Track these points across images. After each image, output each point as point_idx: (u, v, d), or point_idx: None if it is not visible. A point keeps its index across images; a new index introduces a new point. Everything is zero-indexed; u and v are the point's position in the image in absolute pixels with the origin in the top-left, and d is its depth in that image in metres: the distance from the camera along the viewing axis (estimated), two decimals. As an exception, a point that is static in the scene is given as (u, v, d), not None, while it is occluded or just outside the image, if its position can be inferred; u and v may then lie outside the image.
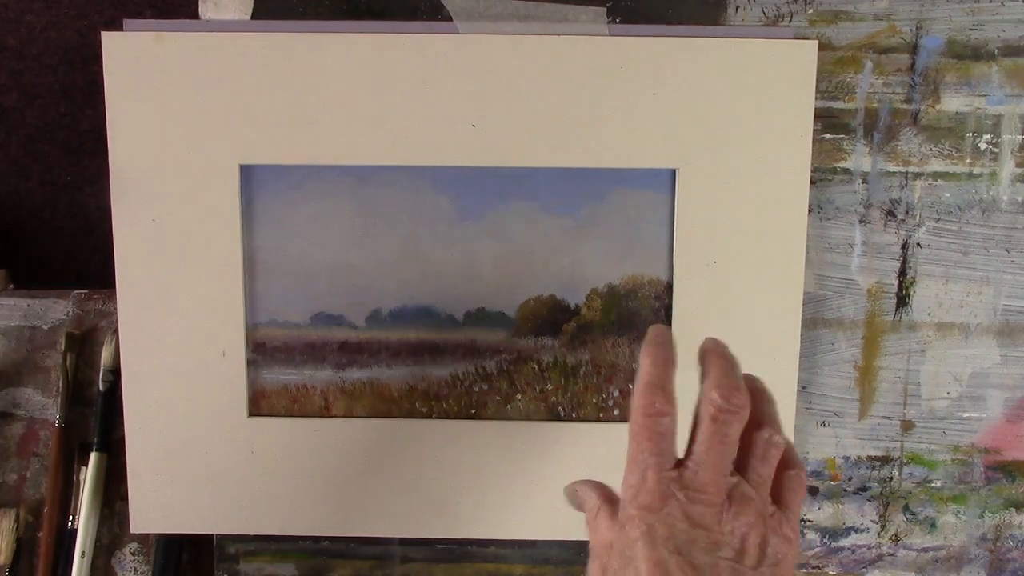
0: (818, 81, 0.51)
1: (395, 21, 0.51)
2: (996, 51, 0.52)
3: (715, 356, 0.38)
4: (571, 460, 0.53)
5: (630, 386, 0.54)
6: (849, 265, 0.54)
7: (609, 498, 0.40)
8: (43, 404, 0.57)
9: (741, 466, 0.37)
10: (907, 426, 0.55)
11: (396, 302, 0.53)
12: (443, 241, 0.53)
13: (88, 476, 0.56)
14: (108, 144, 0.51)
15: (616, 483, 0.48)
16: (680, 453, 0.37)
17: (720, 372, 0.38)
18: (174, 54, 0.50)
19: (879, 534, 0.56)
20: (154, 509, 0.54)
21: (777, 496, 0.38)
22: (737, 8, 0.52)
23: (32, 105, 0.67)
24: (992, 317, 0.54)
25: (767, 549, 0.36)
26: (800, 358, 0.52)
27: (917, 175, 0.53)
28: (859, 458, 0.55)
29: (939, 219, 0.53)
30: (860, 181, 0.53)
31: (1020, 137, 0.53)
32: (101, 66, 0.50)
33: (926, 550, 0.56)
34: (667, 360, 0.38)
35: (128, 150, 0.51)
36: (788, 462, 0.39)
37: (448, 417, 0.54)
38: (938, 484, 0.55)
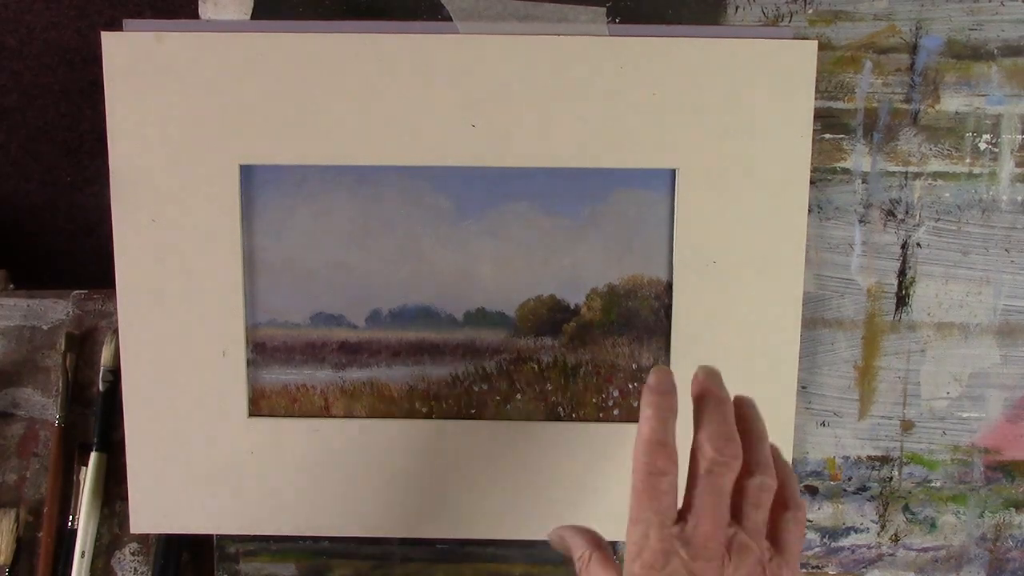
0: (818, 81, 0.51)
1: (395, 21, 0.51)
2: (996, 51, 0.52)
3: (709, 401, 0.38)
4: (571, 460, 0.53)
5: (630, 386, 0.54)
6: (849, 265, 0.54)
7: (598, 544, 0.40)
8: (43, 404, 0.57)
9: (736, 513, 0.38)
10: (907, 426, 0.55)
11: (396, 302, 0.53)
12: (443, 241, 0.53)
13: (88, 476, 0.56)
14: (108, 144, 0.51)
15: (617, 484, 0.48)
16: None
17: (714, 423, 0.38)
18: (174, 54, 0.50)
19: (879, 534, 0.56)
20: (154, 509, 0.54)
21: (775, 539, 0.38)
22: (737, 8, 0.52)
23: (32, 105, 0.67)
24: (992, 317, 0.54)
25: None
26: (800, 358, 0.53)
27: (917, 175, 0.53)
28: (859, 458, 0.55)
29: (939, 219, 0.53)
30: (860, 181, 0.53)
31: (1020, 137, 0.53)
32: (101, 66, 0.50)
33: (926, 550, 0.56)
34: (669, 412, 0.38)
35: (128, 150, 0.51)
36: (787, 502, 0.39)
37: (448, 417, 0.54)
38: (938, 484, 0.55)
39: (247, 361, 0.53)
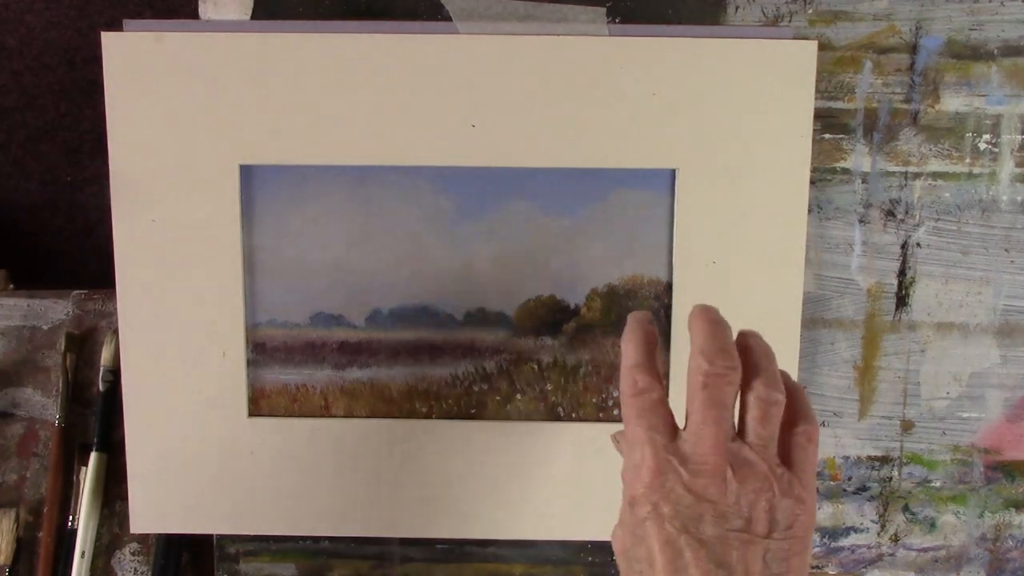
0: (818, 81, 0.51)
1: (395, 21, 0.51)
2: (996, 51, 0.52)
3: (701, 321, 0.37)
4: (571, 460, 0.53)
5: (630, 386, 0.54)
6: (849, 265, 0.54)
7: None
8: (43, 404, 0.57)
9: (742, 430, 0.36)
10: (907, 426, 0.55)
11: (396, 302, 0.53)
12: (443, 241, 0.53)
13: (88, 476, 0.56)
14: (108, 144, 0.51)
15: (617, 484, 0.48)
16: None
17: (705, 337, 0.36)
18: (174, 54, 0.50)
19: (879, 534, 0.56)
20: (154, 509, 0.54)
21: (786, 456, 0.36)
22: (737, 8, 0.52)
23: (32, 105, 0.67)
24: (992, 317, 0.54)
25: (776, 514, 0.35)
26: (800, 358, 0.53)
27: (917, 175, 0.53)
28: (859, 458, 0.55)
29: (939, 219, 0.53)
30: (860, 181, 0.53)
31: (1020, 137, 0.53)
32: (101, 66, 0.50)
33: (926, 550, 0.56)
34: (646, 340, 0.38)
35: (128, 150, 0.51)
36: (796, 417, 0.37)
37: (448, 417, 0.54)
38: (938, 484, 0.55)
39: (247, 361, 0.53)
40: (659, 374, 0.37)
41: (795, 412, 0.37)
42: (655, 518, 0.34)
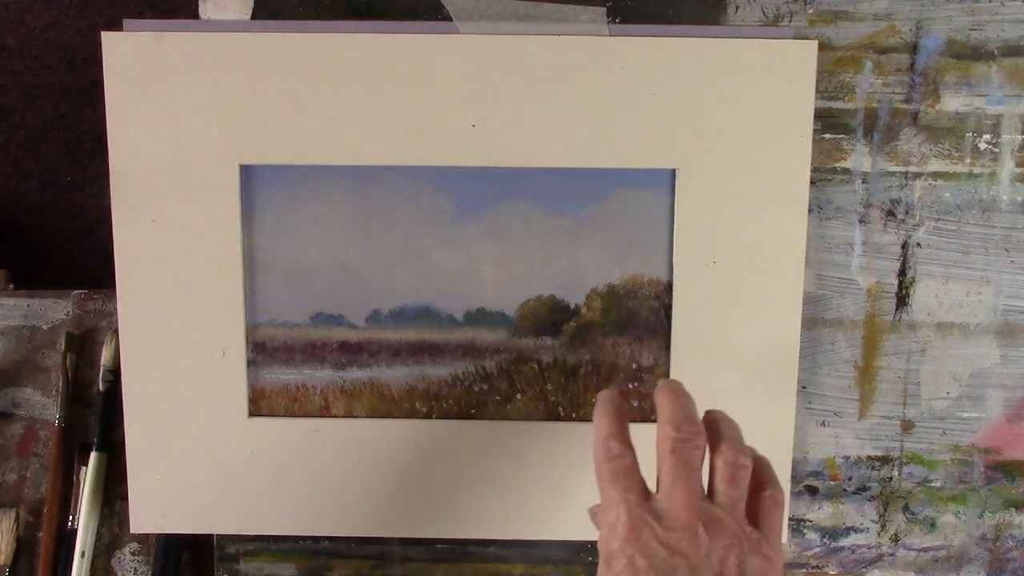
0: (818, 81, 0.51)
1: (395, 21, 0.51)
2: (996, 51, 0.52)
3: (666, 394, 0.40)
4: (571, 460, 0.53)
5: (630, 386, 0.54)
6: (849, 265, 0.54)
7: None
8: (43, 404, 0.57)
9: (711, 492, 0.39)
10: (907, 426, 0.55)
11: (396, 302, 0.53)
12: (443, 241, 0.53)
13: (88, 476, 0.56)
14: (108, 144, 0.51)
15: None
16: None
17: (671, 407, 0.39)
18: (174, 54, 0.50)
19: (879, 534, 0.56)
20: (154, 509, 0.54)
21: (754, 518, 0.39)
22: (737, 8, 0.52)
23: (32, 105, 0.67)
24: (992, 317, 0.54)
25: (746, 570, 0.36)
26: (800, 358, 0.53)
27: (917, 175, 0.53)
28: (859, 458, 0.55)
29: (939, 219, 0.53)
30: (860, 181, 0.53)
31: (1020, 137, 0.53)
32: (101, 66, 0.50)
33: (926, 550, 0.56)
34: (618, 412, 0.40)
35: (128, 150, 0.51)
36: (763, 482, 0.40)
37: (448, 417, 0.54)
38: (938, 484, 0.55)
39: (247, 361, 0.53)
40: (631, 443, 0.39)
41: (762, 478, 0.40)
42: (630, 571, 0.36)
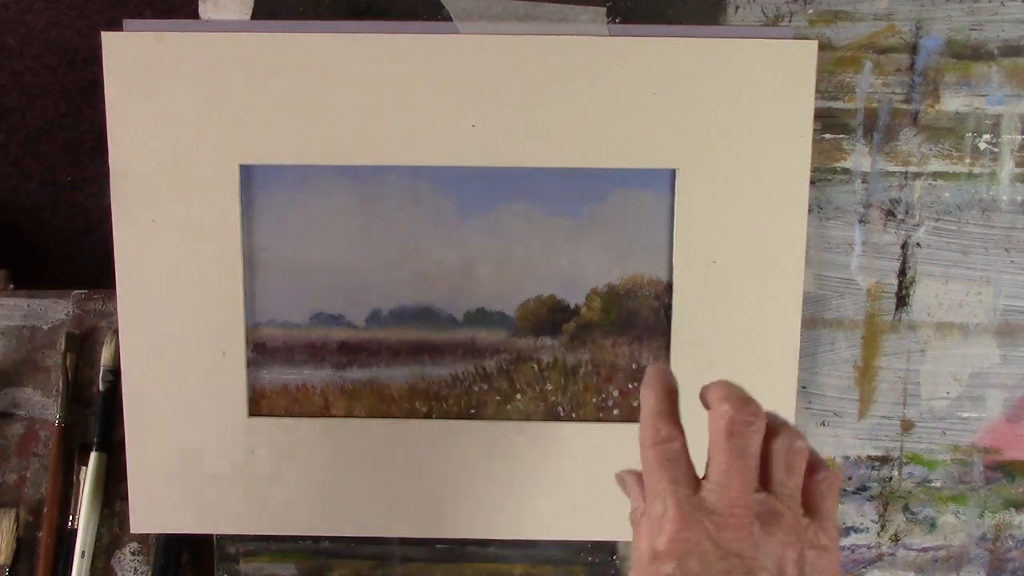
0: (818, 81, 0.51)
1: (395, 21, 0.51)
2: (996, 51, 0.52)
3: (717, 382, 0.36)
4: (571, 460, 0.53)
5: (630, 386, 0.54)
6: (849, 265, 0.54)
7: None
8: (43, 404, 0.57)
9: (765, 481, 0.35)
10: (907, 426, 0.55)
11: (396, 302, 0.53)
12: (443, 241, 0.53)
13: (88, 476, 0.56)
14: (108, 144, 0.51)
15: (617, 484, 0.47)
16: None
17: (725, 389, 0.35)
18: (174, 54, 0.50)
19: (879, 534, 0.56)
20: (154, 509, 0.54)
21: (808, 504, 0.36)
22: (737, 8, 0.52)
23: (32, 105, 0.67)
24: (992, 317, 0.54)
25: (805, 567, 0.34)
26: (800, 358, 0.53)
27: (917, 175, 0.53)
28: (859, 458, 0.55)
29: (939, 219, 0.53)
30: (860, 181, 0.53)
31: (1020, 137, 0.53)
32: (101, 66, 0.50)
33: (926, 550, 0.56)
34: (667, 389, 0.37)
35: (128, 150, 0.51)
36: (813, 467, 0.36)
37: (448, 417, 0.54)
38: (938, 484, 0.55)
39: (247, 361, 0.53)
40: (680, 424, 0.36)
41: (812, 462, 0.36)
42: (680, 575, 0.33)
